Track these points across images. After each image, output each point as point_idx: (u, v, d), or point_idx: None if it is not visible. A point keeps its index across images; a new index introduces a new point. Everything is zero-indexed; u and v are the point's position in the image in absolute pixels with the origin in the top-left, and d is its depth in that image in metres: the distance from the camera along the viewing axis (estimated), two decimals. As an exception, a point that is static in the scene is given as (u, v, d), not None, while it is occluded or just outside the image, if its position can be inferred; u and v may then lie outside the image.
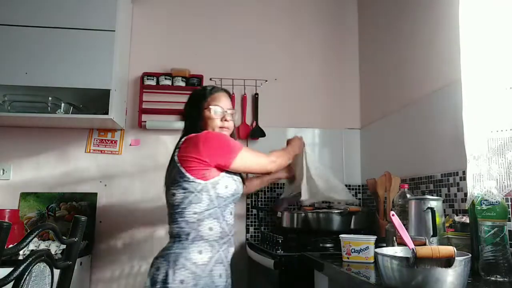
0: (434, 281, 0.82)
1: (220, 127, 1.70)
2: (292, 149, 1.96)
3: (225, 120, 1.71)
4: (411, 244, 0.85)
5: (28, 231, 1.86)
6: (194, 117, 1.72)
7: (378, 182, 2.17)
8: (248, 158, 1.64)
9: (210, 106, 1.70)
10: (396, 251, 0.99)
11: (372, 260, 1.49)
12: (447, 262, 0.80)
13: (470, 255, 0.87)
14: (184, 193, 1.55)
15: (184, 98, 2.81)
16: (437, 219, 1.38)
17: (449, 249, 0.79)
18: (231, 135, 1.75)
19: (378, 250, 0.89)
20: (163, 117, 2.68)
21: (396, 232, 0.89)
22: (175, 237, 1.57)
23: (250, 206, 2.67)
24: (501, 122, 1.38)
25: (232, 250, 1.64)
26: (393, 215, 0.92)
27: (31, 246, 1.97)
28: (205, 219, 1.54)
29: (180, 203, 1.56)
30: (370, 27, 2.80)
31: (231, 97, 1.83)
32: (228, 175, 1.61)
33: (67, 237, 1.37)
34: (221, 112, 1.70)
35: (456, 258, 0.80)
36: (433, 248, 0.82)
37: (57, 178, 2.57)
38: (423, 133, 2.03)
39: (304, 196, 2.01)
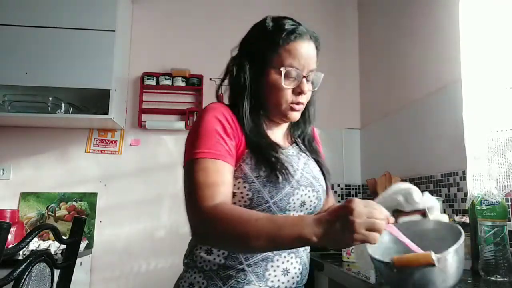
0: (418, 279, 0.80)
1: (292, 105, 1.03)
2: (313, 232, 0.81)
3: (302, 92, 1.03)
4: (418, 250, 0.82)
5: (28, 231, 1.87)
6: (246, 81, 1.05)
7: (378, 182, 2.17)
8: (191, 176, 0.91)
9: (283, 68, 1.01)
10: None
11: (372, 260, 1.49)
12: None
13: (462, 240, 0.81)
14: None
15: (184, 98, 2.85)
16: (437, 219, 1.38)
17: (426, 257, 0.76)
18: (305, 119, 1.17)
19: (368, 245, 0.85)
20: (163, 117, 2.68)
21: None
22: None
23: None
24: (501, 122, 1.38)
25: None
26: (388, 224, 0.79)
27: (31, 246, 1.97)
28: None
29: None
30: (370, 27, 2.80)
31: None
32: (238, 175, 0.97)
33: (67, 237, 1.37)
34: (297, 78, 1.03)
35: (441, 255, 0.76)
36: (411, 258, 0.78)
37: (57, 178, 2.57)
38: (423, 133, 2.03)
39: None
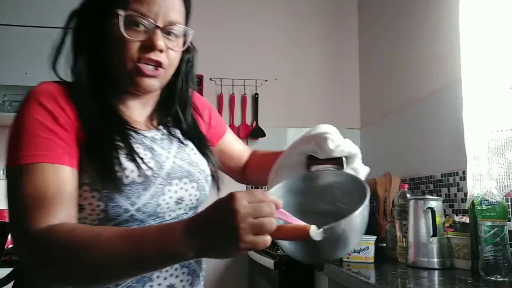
0: (306, 250, 0.69)
1: (140, 65, 0.76)
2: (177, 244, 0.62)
3: (153, 46, 0.76)
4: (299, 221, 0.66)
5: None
6: (83, 39, 0.80)
7: (378, 182, 2.17)
8: (15, 189, 0.70)
9: (122, 11, 0.75)
10: None
11: (372, 260, 1.49)
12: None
13: (360, 208, 0.73)
14: None
15: (184, 98, 2.83)
16: (437, 219, 1.38)
17: (303, 231, 0.61)
18: (172, 94, 0.88)
19: None
20: (163, 117, 2.67)
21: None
22: None
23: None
24: (501, 122, 1.38)
25: None
26: (278, 210, 0.62)
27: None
28: None
29: None
30: (370, 27, 2.80)
31: None
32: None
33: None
34: (148, 29, 0.77)
35: (326, 228, 0.62)
36: (287, 229, 0.62)
37: (57, 178, 2.56)
38: (423, 133, 2.03)
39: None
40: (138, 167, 0.73)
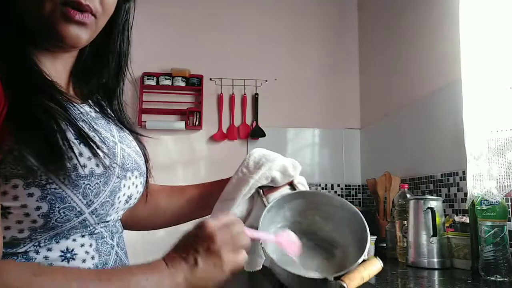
0: None
1: (66, 8, 0.57)
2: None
3: None
4: (282, 240, 0.67)
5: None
6: None
7: (378, 182, 2.17)
8: None
9: None
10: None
11: (372, 260, 1.49)
12: None
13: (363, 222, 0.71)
14: None
15: (184, 98, 2.85)
16: (437, 219, 1.38)
17: (375, 263, 0.64)
18: (103, 58, 0.72)
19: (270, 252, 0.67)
20: (163, 117, 2.68)
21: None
22: None
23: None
24: (501, 122, 1.38)
25: None
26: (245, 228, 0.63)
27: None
28: None
29: None
30: (370, 27, 2.80)
31: None
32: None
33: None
34: None
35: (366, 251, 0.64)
36: (360, 273, 0.63)
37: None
38: (423, 133, 2.03)
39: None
40: (95, 153, 0.56)
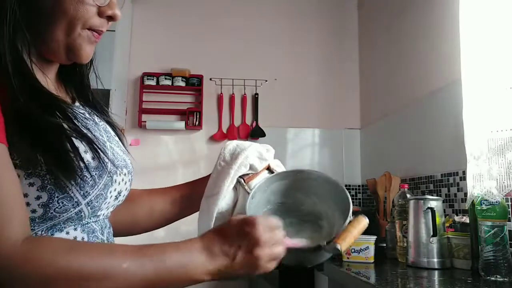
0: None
1: (91, 33, 0.65)
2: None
3: (114, 16, 0.66)
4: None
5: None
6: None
7: (378, 182, 2.17)
8: None
9: None
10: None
11: (372, 260, 1.49)
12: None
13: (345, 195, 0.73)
14: None
15: (184, 98, 2.85)
16: (437, 219, 1.38)
17: (364, 222, 0.68)
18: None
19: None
20: (163, 117, 2.68)
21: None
22: None
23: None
24: (501, 122, 1.38)
25: None
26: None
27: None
28: None
29: None
30: (370, 27, 2.80)
31: None
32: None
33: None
34: None
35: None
36: (351, 233, 0.66)
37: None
38: (423, 133, 2.03)
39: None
40: (91, 147, 0.60)
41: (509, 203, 1.39)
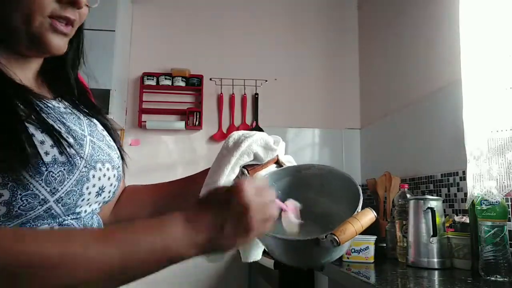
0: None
1: (54, 21, 0.62)
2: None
3: (75, 3, 0.65)
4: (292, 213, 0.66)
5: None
6: None
7: (378, 182, 2.17)
8: None
9: None
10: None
11: (372, 260, 1.49)
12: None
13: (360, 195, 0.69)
14: None
15: (184, 98, 2.85)
16: (437, 219, 1.38)
17: (370, 214, 0.62)
18: (69, 58, 0.78)
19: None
20: (163, 117, 2.68)
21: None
22: None
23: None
24: (501, 122, 1.38)
25: None
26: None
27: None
28: None
29: None
30: (370, 27, 2.80)
31: None
32: None
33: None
34: None
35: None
36: (352, 226, 0.61)
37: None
38: (423, 133, 2.03)
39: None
40: (58, 142, 0.57)
41: (509, 203, 1.39)
